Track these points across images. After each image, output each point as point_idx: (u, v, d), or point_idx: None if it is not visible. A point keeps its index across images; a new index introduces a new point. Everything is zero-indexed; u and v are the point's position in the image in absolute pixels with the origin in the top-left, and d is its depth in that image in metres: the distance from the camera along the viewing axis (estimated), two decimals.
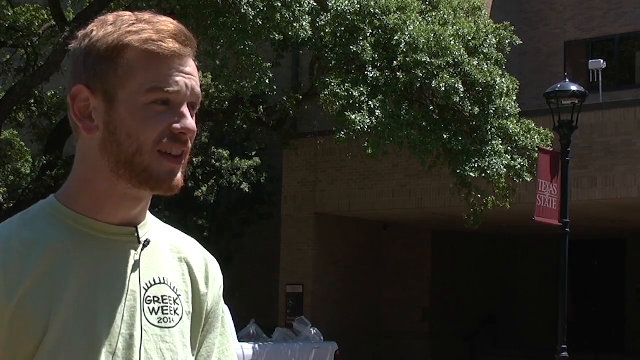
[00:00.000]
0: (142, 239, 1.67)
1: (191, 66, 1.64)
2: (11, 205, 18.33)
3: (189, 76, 1.62)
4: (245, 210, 21.13)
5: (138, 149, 1.58)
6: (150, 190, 1.62)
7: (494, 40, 16.14)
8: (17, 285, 1.55)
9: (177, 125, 1.59)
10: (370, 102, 14.66)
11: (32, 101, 20.10)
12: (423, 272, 22.71)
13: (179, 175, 1.63)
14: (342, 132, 14.66)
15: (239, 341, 13.63)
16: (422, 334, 22.59)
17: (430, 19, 15.81)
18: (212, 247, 22.20)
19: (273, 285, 21.21)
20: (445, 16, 16.01)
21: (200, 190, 19.50)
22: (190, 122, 1.61)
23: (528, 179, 15.54)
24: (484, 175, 15.16)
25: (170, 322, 1.66)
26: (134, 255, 1.65)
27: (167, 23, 1.63)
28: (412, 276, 22.62)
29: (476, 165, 15.04)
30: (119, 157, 1.59)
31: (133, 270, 1.64)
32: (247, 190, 19.93)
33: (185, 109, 1.61)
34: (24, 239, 1.59)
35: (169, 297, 1.67)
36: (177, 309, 1.68)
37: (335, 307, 20.77)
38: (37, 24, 18.75)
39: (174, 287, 1.69)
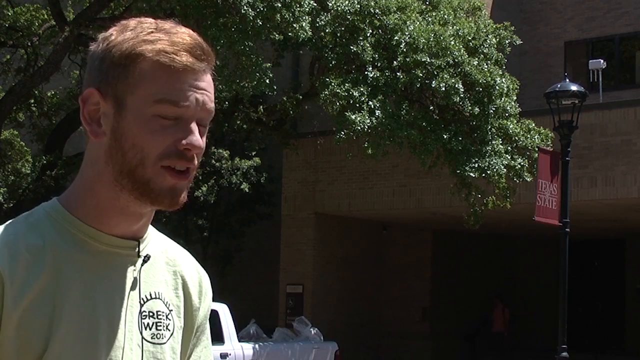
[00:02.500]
0: (143, 254, 1.65)
1: (206, 81, 1.59)
2: (11, 205, 18.34)
3: (202, 91, 1.57)
4: (245, 210, 21.14)
5: (141, 161, 1.55)
6: (151, 204, 1.59)
7: (494, 40, 16.14)
8: (22, 293, 1.53)
9: (184, 142, 1.55)
10: (370, 102, 14.65)
11: (32, 101, 20.10)
12: (423, 272, 22.71)
13: (183, 193, 1.59)
14: (342, 132, 14.66)
15: (239, 341, 13.63)
16: (422, 334, 22.59)
17: (430, 19, 15.81)
18: (212, 247, 22.17)
19: (273, 285, 21.21)
20: (445, 16, 16.01)
21: (200, 191, 19.51)
22: (197, 138, 1.57)
23: (528, 179, 15.54)
24: (484, 175, 15.16)
25: (162, 338, 1.65)
26: (133, 270, 1.63)
27: (185, 35, 1.59)
28: (412, 276, 22.62)
29: (476, 165, 15.04)
30: (123, 166, 1.56)
31: (132, 285, 1.62)
32: (247, 190, 19.93)
33: (194, 125, 1.57)
34: (29, 245, 1.57)
35: (162, 312, 1.66)
36: (168, 324, 1.66)
37: (335, 307, 20.77)
38: (37, 24, 18.76)
39: (167, 302, 1.68)
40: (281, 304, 20.63)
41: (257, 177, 20.28)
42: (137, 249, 1.64)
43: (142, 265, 1.65)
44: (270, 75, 14.37)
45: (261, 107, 18.71)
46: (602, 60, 21.38)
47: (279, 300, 20.79)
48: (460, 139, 15.12)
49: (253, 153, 20.52)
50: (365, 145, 14.79)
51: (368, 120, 14.38)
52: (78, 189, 1.64)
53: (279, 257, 20.81)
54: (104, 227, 1.61)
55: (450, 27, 15.68)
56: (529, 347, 23.81)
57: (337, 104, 14.62)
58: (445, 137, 14.97)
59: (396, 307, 22.50)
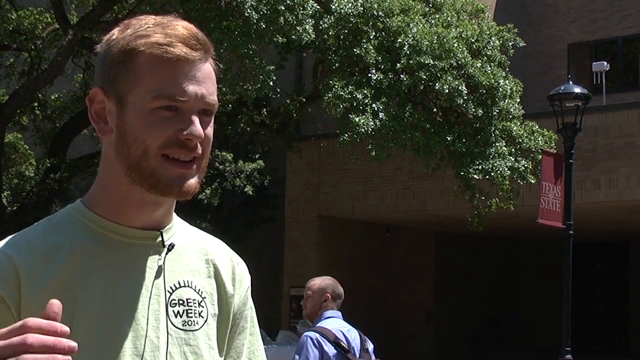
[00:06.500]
0: (167, 243, 1.68)
1: (202, 71, 1.61)
2: (15, 208, 18.34)
3: (199, 83, 1.60)
4: (249, 213, 21.14)
5: (144, 153, 1.58)
6: (161, 194, 1.61)
7: (497, 42, 16.14)
8: (40, 286, 1.56)
9: (184, 132, 1.58)
10: (373, 105, 14.65)
11: (36, 104, 20.13)
12: (427, 274, 22.69)
13: (192, 180, 1.62)
14: (346, 135, 14.66)
15: None
16: (426, 337, 22.57)
17: (433, 21, 15.80)
18: None
19: (277, 288, 21.20)
20: (449, 18, 16.01)
21: (203, 193, 19.51)
22: (197, 128, 1.59)
23: (532, 181, 15.53)
24: (487, 177, 15.15)
25: (194, 324, 1.67)
26: (157, 259, 1.66)
27: (179, 27, 1.61)
28: (416, 279, 22.61)
29: (480, 167, 15.04)
30: (129, 160, 1.60)
31: (157, 274, 1.65)
32: (251, 193, 19.94)
33: (194, 116, 1.60)
34: (49, 243, 1.60)
35: (194, 299, 1.68)
36: (201, 311, 1.68)
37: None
38: (40, 27, 18.79)
39: (199, 290, 1.70)
40: (285, 307, 20.62)
41: (261, 179, 20.28)
42: (161, 238, 1.67)
43: (166, 254, 1.67)
44: (274, 78, 14.37)
45: (264, 109, 18.72)
46: (605, 62, 21.37)
47: (282, 303, 20.78)
48: (463, 140, 15.11)
49: (256, 156, 20.53)
50: (369, 147, 14.79)
51: (371, 123, 14.37)
52: (97, 188, 1.69)
53: (282, 259, 20.81)
54: (124, 220, 1.65)
55: (454, 30, 15.67)
56: (533, 349, 23.78)
57: (341, 106, 14.62)
58: (448, 139, 14.96)
59: (400, 309, 22.48)
